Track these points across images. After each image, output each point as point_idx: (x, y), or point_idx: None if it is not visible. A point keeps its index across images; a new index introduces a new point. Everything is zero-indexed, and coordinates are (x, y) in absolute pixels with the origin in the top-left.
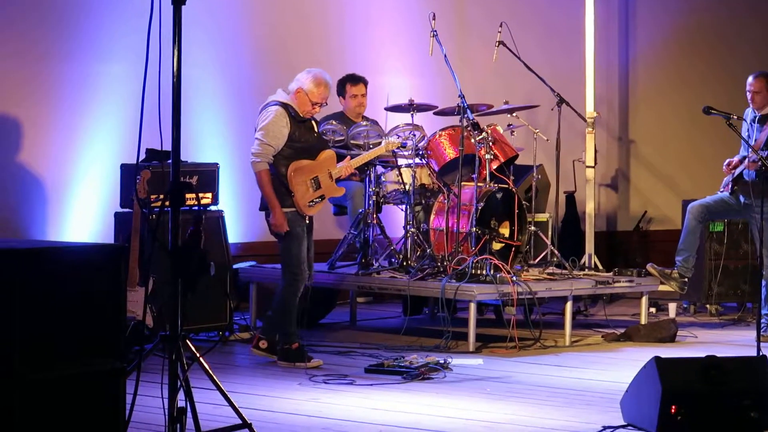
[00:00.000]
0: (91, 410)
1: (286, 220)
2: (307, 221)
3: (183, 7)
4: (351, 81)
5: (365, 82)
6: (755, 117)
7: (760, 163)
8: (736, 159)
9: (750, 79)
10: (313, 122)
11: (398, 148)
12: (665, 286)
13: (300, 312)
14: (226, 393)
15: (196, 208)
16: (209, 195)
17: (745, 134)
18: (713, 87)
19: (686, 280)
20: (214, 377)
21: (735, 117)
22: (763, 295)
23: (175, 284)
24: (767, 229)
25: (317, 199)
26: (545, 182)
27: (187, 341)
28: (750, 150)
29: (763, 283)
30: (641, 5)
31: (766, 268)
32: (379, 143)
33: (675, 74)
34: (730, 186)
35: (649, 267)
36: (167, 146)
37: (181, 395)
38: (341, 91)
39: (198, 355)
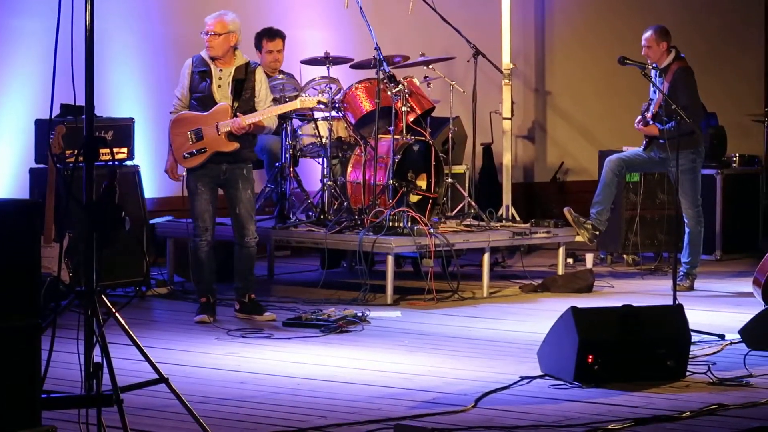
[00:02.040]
0: (6, 367)
1: (171, 170)
2: (225, 176)
3: None
4: (267, 36)
5: (283, 37)
6: (658, 70)
7: (647, 121)
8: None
9: (644, 33)
10: (228, 73)
11: (312, 107)
12: (579, 237)
13: (218, 266)
14: (143, 348)
15: (111, 163)
16: (124, 150)
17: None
18: (629, 36)
19: (598, 233)
20: (131, 332)
21: (650, 66)
22: (685, 242)
23: (90, 239)
24: (684, 181)
25: (195, 151)
26: (462, 134)
27: (103, 297)
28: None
29: (686, 231)
30: None
31: (688, 218)
32: (296, 96)
33: (592, 24)
34: (644, 143)
35: (566, 211)
36: (81, 101)
37: (97, 351)
38: (258, 44)
39: (114, 310)
